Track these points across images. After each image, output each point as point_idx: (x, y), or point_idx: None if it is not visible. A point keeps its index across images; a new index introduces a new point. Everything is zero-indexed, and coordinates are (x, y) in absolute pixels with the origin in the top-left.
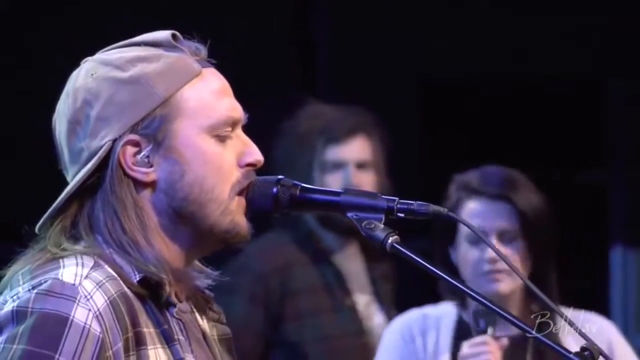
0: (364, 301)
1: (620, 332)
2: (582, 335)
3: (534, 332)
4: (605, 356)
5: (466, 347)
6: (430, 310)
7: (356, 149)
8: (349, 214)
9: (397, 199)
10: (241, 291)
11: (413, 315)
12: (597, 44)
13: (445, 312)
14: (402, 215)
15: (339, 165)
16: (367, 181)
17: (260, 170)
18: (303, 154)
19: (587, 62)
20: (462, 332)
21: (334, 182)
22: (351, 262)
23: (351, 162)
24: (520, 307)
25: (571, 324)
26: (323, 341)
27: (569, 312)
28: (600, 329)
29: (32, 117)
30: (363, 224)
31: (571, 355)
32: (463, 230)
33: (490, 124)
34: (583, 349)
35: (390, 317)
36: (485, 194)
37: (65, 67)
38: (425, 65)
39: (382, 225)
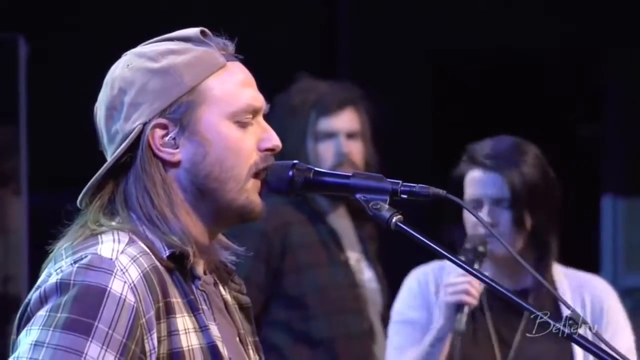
0: (354, 257)
1: (611, 276)
2: (565, 304)
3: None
4: (590, 328)
5: (450, 277)
6: (449, 263)
7: (346, 120)
8: (358, 195)
9: (400, 182)
10: (246, 248)
11: (432, 265)
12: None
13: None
14: (405, 196)
15: (330, 135)
16: (356, 149)
17: None
18: (297, 124)
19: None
20: None
21: (326, 150)
22: (342, 222)
23: (342, 132)
24: (516, 266)
25: (556, 295)
26: (319, 292)
27: (569, 272)
28: (595, 294)
29: (79, 78)
30: (370, 205)
31: (557, 324)
32: (466, 195)
33: (495, 92)
34: (568, 317)
35: (377, 272)
36: (481, 165)
37: None
38: (433, 42)
39: (387, 206)
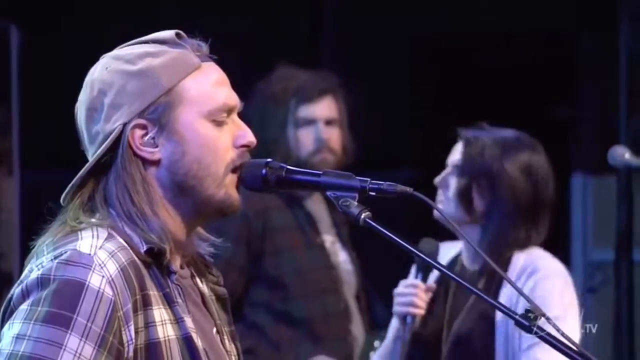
0: (330, 240)
1: (581, 251)
2: (524, 296)
3: (485, 295)
4: (547, 318)
5: (401, 286)
6: (445, 244)
7: (325, 107)
8: (328, 193)
9: (369, 179)
10: (228, 232)
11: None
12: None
13: (454, 247)
14: (373, 194)
15: (310, 122)
16: (334, 136)
17: None
18: (278, 111)
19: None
20: (452, 266)
21: (306, 136)
22: (318, 207)
23: (321, 119)
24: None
25: (513, 285)
26: (298, 274)
27: (533, 253)
28: (535, 268)
29: (75, 60)
30: (340, 202)
31: (517, 317)
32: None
33: (470, 74)
34: (527, 310)
35: (350, 254)
36: (462, 138)
37: None
38: (413, 25)
39: (356, 203)
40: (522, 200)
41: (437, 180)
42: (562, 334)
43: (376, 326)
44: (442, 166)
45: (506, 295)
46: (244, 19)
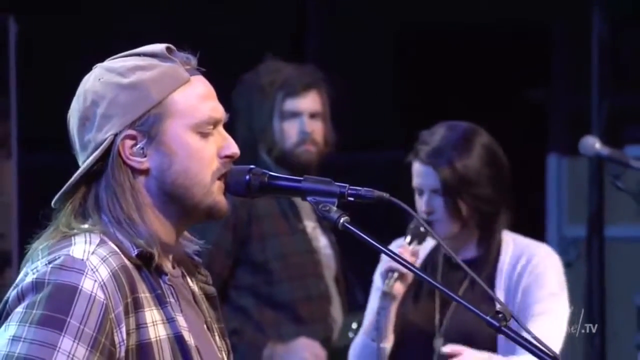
0: (311, 225)
1: (556, 226)
2: (496, 300)
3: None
4: (516, 319)
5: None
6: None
7: (310, 101)
8: (309, 198)
9: (347, 185)
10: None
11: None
12: None
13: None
14: (352, 199)
15: (295, 115)
16: (317, 129)
17: None
18: (264, 102)
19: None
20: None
21: (290, 128)
22: None
23: (305, 113)
24: (466, 241)
25: (488, 291)
26: (281, 258)
27: (517, 240)
28: (530, 255)
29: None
30: (320, 207)
31: (488, 318)
32: (413, 183)
33: (447, 61)
34: (497, 312)
35: (330, 239)
36: (421, 159)
37: None
38: (395, 15)
39: (335, 208)
40: (498, 188)
41: (424, 209)
42: (533, 335)
43: (354, 309)
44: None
45: (503, 283)
46: (230, 16)
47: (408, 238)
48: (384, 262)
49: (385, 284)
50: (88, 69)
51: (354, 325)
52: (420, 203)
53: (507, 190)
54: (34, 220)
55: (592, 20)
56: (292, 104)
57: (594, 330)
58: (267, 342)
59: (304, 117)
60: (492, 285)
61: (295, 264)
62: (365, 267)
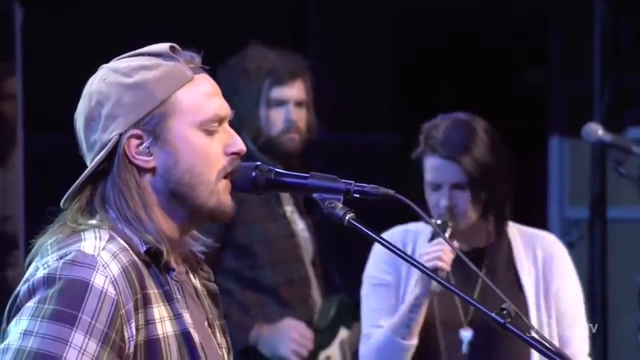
0: (289, 210)
1: (558, 208)
2: (501, 295)
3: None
4: (519, 314)
5: (425, 247)
6: (411, 226)
7: (296, 90)
8: (314, 195)
9: (353, 182)
10: None
11: (396, 230)
12: None
13: (423, 228)
14: (357, 195)
15: (281, 103)
16: (301, 117)
17: None
18: (250, 88)
19: None
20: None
21: (276, 116)
22: None
23: (291, 101)
24: (479, 231)
25: (491, 286)
26: (265, 243)
27: (522, 229)
28: (545, 246)
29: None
30: (325, 203)
31: (492, 314)
32: (427, 178)
33: (447, 45)
34: (502, 309)
35: (307, 223)
36: (440, 154)
37: None
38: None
39: (340, 205)
40: (505, 173)
41: (444, 203)
42: (536, 331)
43: (330, 291)
44: (418, 128)
45: (527, 274)
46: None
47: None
48: (425, 260)
49: (434, 285)
50: (93, 56)
51: (332, 313)
52: (436, 198)
53: (510, 175)
54: (40, 203)
55: (593, 1)
56: (278, 92)
57: (594, 331)
58: (253, 323)
59: (290, 106)
60: (515, 274)
61: (278, 249)
62: (341, 250)
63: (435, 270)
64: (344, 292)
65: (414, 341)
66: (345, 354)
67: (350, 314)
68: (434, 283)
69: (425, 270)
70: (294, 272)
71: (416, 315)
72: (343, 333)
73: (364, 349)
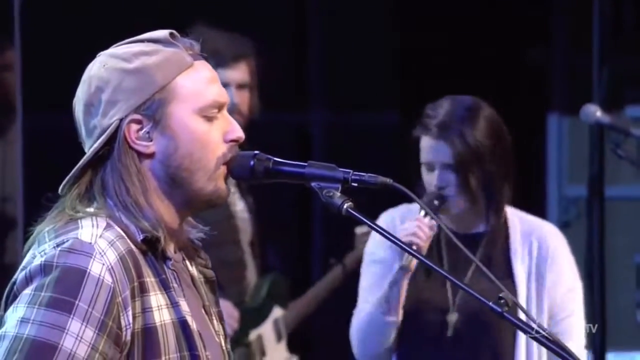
0: (230, 191)
1: (557, 186)
2: (499, 286)
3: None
4: (517, 304)
5: (405, 224)
6: (415, 206)
7: (239, 72)
8: (313, 184)
9: (351, 171)
10: None
11: (400, 207)
12: None
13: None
14: (355, 184)
15: (223, 86)
16: (244, 99)
17: None
18: None
19: None
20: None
21: None
22: None
23: (233, 84)
24: (476, 215)
25: (490, 278)
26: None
27: (522, 216)
28: (542, 237)
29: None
30: (323, 192)
31: (490, 304)
32: (421, 158)
33: (449, 21)
34: (499, 297)
35: (247, 203)
36: (432, 133)
37: None
38: None
39: (339, 194)
40: (503, 161)
41: (436, 183)
42: (540, 326)
43: (266, 270)
44: (419, 107)
45: (520, 263)
46: None
47: (422, 212)
48: (402, 236)
49: (404, 258)
50: (93, 34)
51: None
52: (430, 179)
53: (510, 164)
54: (39, 184)
55: None
56: (221, 75)
57: (593, 331)
58: None
59: (232, 88)
60: (508, 262)
61: (217, 231)
62: (279, 229)
63: (411, 245)
64: (280, 271)
65: (394, 318)
66: (281, 332)
67: (285, 292)
68: (404, 257)
69: (403, 246)
70: (229, 255)
71: (395, 291)
72: (277, 311)
73: (353, 323)
